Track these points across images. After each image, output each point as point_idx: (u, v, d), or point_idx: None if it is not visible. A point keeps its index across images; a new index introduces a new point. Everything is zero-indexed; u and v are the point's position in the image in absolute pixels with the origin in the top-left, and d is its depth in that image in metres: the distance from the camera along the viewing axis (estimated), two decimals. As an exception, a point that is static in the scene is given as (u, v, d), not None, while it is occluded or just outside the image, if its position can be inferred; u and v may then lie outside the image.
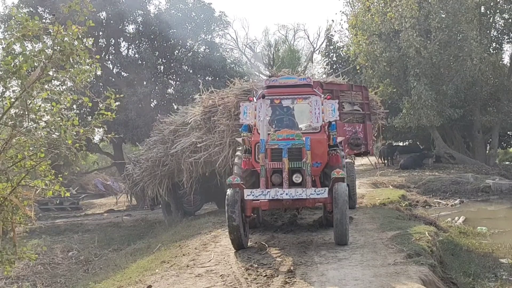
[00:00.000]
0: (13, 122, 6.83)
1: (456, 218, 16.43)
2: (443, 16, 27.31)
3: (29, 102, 6.74)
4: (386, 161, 34.54)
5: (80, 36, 6.83)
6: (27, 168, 7.22)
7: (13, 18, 6.88)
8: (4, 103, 6.79)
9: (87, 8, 6.87)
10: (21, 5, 27.46)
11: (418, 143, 38.80)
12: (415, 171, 28.12)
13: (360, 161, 30.29)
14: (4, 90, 6.83)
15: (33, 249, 8.10)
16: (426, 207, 18.92)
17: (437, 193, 22.22)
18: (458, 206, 19.59)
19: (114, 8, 28.11)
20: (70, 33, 6.64)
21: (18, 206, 7.16)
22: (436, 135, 31.15)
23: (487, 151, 33.47)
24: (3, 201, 7.00)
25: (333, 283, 6.55)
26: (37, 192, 7.34)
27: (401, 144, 40.00)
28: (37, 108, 6.92)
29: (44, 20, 23.27)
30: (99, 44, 29.54)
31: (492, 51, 31.29)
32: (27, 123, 6.95)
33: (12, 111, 6.82)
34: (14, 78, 6.60)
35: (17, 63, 6.44)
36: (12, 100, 6.71)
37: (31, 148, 7.09)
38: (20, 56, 6.43)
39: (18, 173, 7.06)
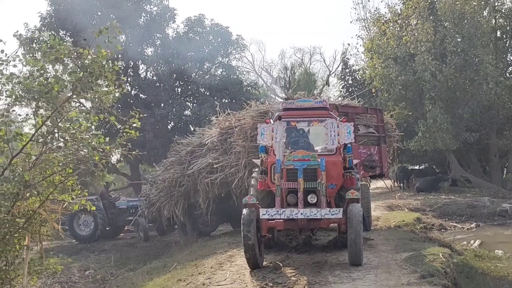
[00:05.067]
0: (43, 139, 7.15)
1: (472, 241, 16.32)
2: (459, 40, 27.50)
3: (59, 120, 7.05)
4: (401, 184, 34.43)
5: (110, 58, 7.18)
6: (55, 183, 7.51)
7: (47, 42, 7.21)
8: (36, 121, 7.13)
9: (115, 32, 7.21)
10: (43, 28, 28.06)
11: (434, 166, 38.62)
12: (430, 194, 27.92)
13: (375, 184, 30.23)
14: (37, 109, 7.17)
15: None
16: (442, 230, 18.76)
17: (453, 216, 22.04)
18: (474, 230, 19.43)
19: (134, 31, 28.62)
20: (100, 56, 6.97)
21: (46, 219, 7.43)
22: (452, 158, 30.97)
23: (504, 175, 33.14)
24: (32, 214, 7.30)
25: (347, 302, 6.63)
26: (64, 206, 7.63)
27: (417, 167, 39.81)
28: (66, 126, 7.23)
29: (65, 43, 23.77)
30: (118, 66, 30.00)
31: (508, 75, 31.20)
32: (56, 140, 7.26)
33: (43, 129, 7.14)
34: (46, 98, 6.91)
35: (49, 84, 6.77)
36: (44, 119, 7.04)
37: (59, 164, 7.39)
38: (52, 77, 6.76)
39: (47, 188, 7.34)
